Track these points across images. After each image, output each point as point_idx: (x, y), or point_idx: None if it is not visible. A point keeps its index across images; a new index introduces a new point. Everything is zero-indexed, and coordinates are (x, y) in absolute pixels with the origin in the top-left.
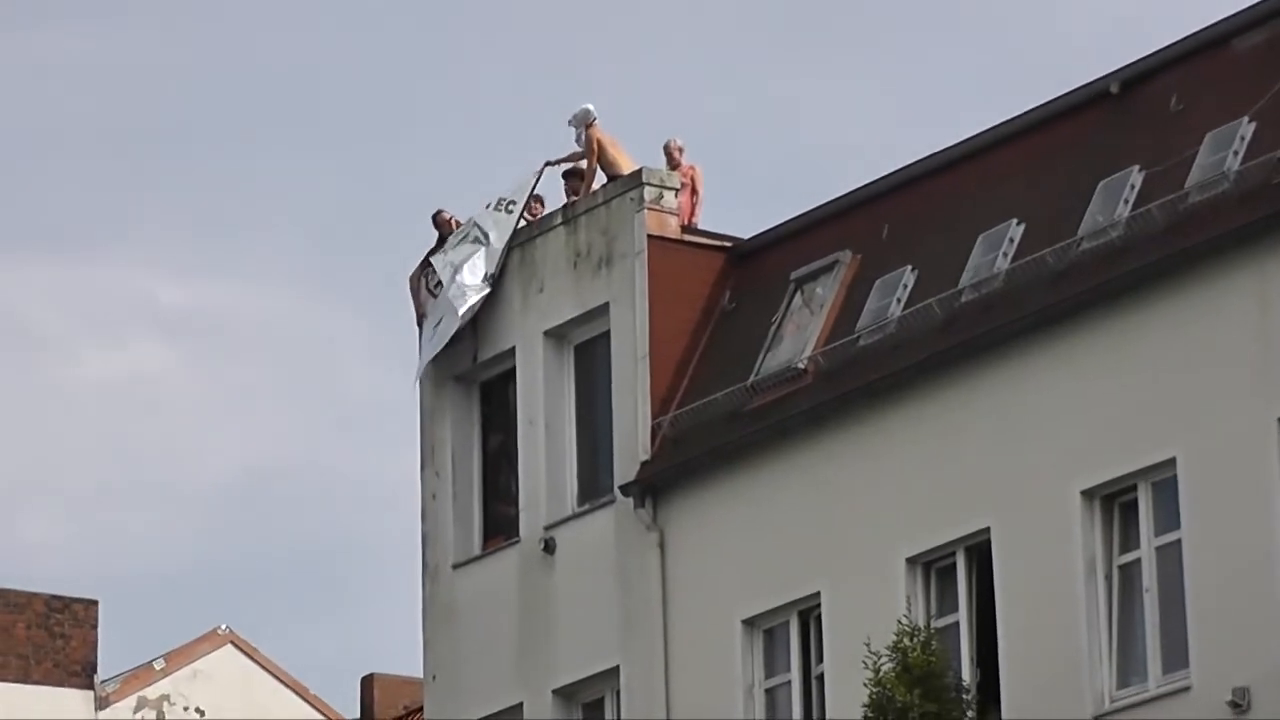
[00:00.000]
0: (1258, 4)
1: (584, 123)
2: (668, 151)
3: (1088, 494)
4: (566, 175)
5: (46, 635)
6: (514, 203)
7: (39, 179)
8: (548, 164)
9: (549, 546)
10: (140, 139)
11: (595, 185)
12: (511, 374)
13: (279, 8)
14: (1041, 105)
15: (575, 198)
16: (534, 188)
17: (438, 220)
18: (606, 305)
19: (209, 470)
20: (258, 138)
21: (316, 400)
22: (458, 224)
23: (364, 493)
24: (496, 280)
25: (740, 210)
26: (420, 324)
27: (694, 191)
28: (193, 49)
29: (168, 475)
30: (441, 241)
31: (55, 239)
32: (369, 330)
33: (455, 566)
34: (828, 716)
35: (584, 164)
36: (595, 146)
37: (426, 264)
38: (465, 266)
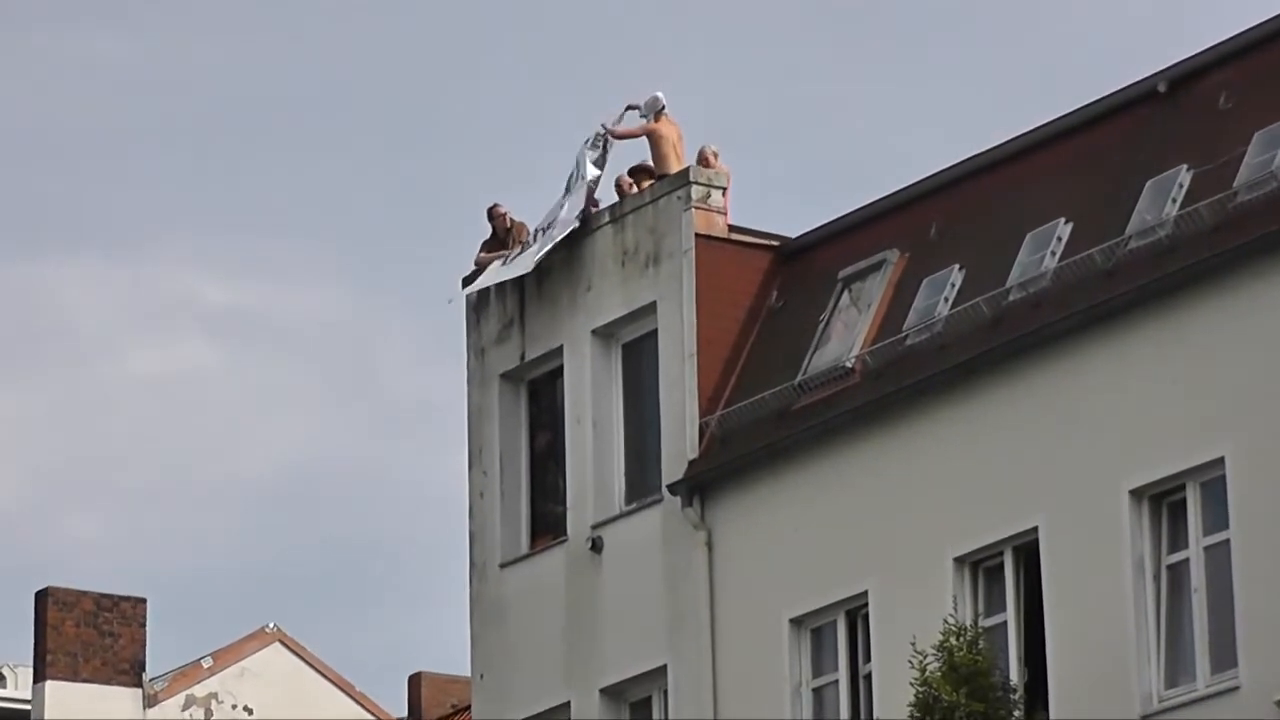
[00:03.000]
0: None
1: (653, 110)
2: (702, 157)
3: (1136, 493)
4: (632, 171)
5: (95, 633)
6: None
7: (84, 179)
8: (630, 107)
9: (596, 545)
10: (185, 139)
11: (645, 183)
12: (559, 372)
13: (322, 6)
14: (1089, 104)
15: (638, 191)
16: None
17: (493, 214)
18: (654, 304)
19: (256, 468)
20: (304, 136)
21: (362, 398)
22: (512, 219)
23: (411, 492)
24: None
25: (788, 209)
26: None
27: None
28: (238, 49)
29: (214, 474)
30: (494, 236)
31: (101, 238)
32: (414, 329)
33: (503, 565)
34: (874, 716)
35: (649, 160)
36: (660, 142)
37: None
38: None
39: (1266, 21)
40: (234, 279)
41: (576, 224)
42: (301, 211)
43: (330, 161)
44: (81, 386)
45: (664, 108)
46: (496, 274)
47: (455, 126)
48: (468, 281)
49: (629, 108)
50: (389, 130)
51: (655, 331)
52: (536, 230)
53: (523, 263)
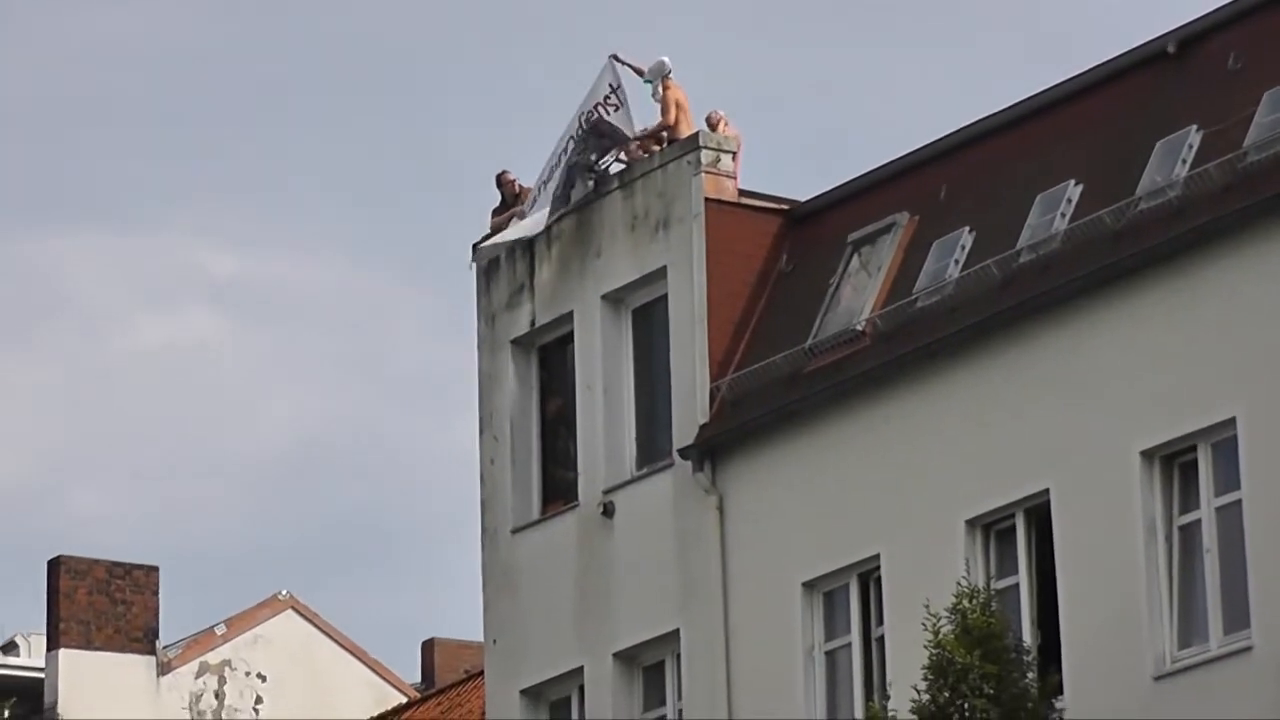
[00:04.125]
0: None
1: (660, 75)
2: (710, 123)
3: (1147, 454)
4: (640, 138)
5: (108, 601)
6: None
7: (90, 153)
8: (614, 58)
9: (608, 510)
10: (190, 111)
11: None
12: (569, 338)
13: None
14: (1098, 65)
15: (647, 154)
16: (609, 83)
17: (501, 181)
18: (664, 269)
19: (265, 439)
20: (309, 107)
21: (371, 367)
22: (521, 186)
23: (422, 459)
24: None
25: (797, 172)
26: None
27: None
28: (242, 21)
29: (224, 444)
30: (504, 203)
31: (107, 211)
32: (421, 298)
33: (514, 531)
34: (888, 678)
35: (657, 123)
36: (674, 108)
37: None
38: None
39: None
40: (240, 250)
41: (592, 180)
42: (307, 182)
43: (336, 131)
44: (90, 359)
45: (670, 72)
46: (510, 233)
47: (461, 95)
48: (479, 247)
49: (634, 70)
50: (395, 100)
51: (665, 296)
52: (538, 184)
53: (534, 222)
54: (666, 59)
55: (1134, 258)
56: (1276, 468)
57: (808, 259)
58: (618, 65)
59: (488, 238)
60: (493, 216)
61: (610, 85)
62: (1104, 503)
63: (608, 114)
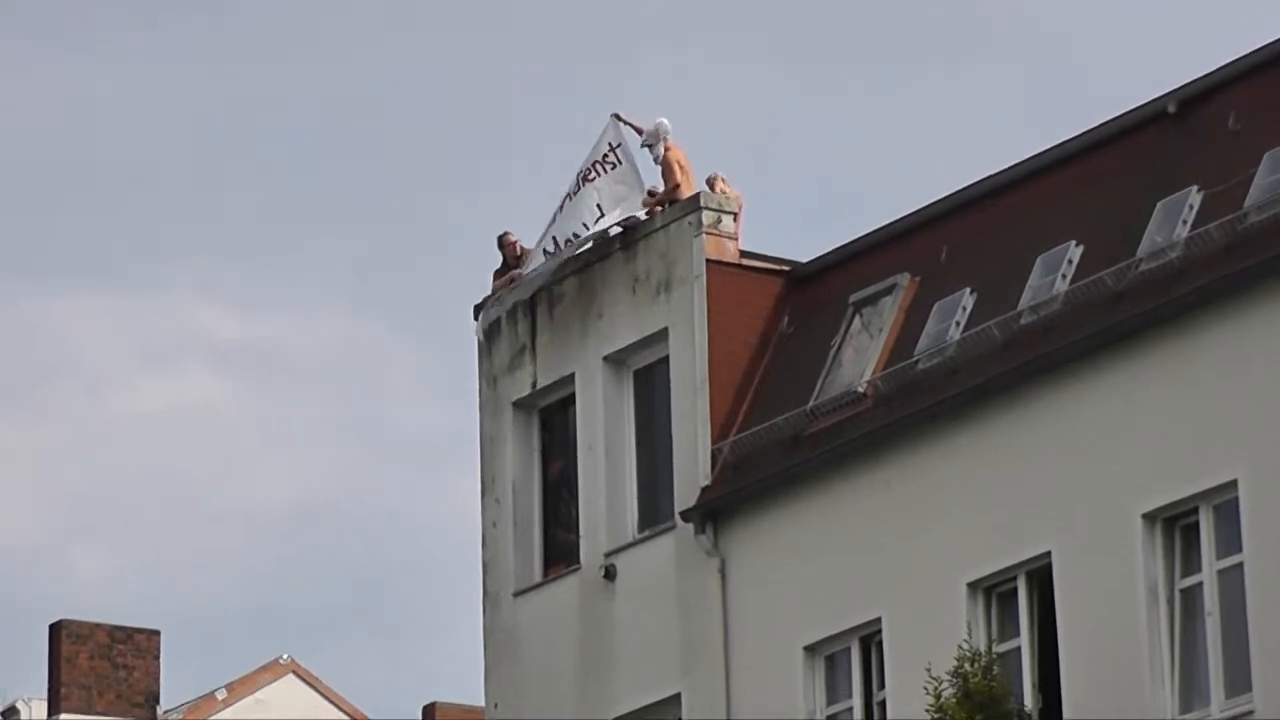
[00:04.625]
0: None
1: (659, 138)
2: (710, 183)
3: (1149, 517)
4: (649, 202)
5: (109, 665)
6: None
7: (92, 214)
8: (616, 116)
9: (610, 573)
10: (191, 172)
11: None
12: (571, 400)
13: (322, 39)
14: (1099, 125)
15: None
16: (609, 142)
17: (503, 242)
18: (666, 330)
19: (266, 500)
20: (310, 170)
21: (373, 429)
22: (523, 248)
23: (422, 522)
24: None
25: (798, 234)
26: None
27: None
28: (242, 81)
29: (226, 506)
30: (505, 264)
31: (108, 272)
32: (422, 359)
33: (516, 594)
34: None
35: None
36: (676, 169)
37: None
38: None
39: (1275, 42)
40: (241, 311)
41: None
42: (308, 243)
43: (338, 194)
44: (92, 420)
45: (669, 133)
46: (519, 289)
47: (463, 156)
48: (479, 309)
49: (635, 129)
50: (396, 161)
51: (667, 358)
52: (539, 248)
53: (542, 273)
54: (665, 121)
55: (1135, 319)
56: (1278, 530)
57: (809, 320)
58: (619, 124)
59: (489, 299)
60: (494, 278)
61: (610, 144)
62: (1106, 565)
63: (604, 172)
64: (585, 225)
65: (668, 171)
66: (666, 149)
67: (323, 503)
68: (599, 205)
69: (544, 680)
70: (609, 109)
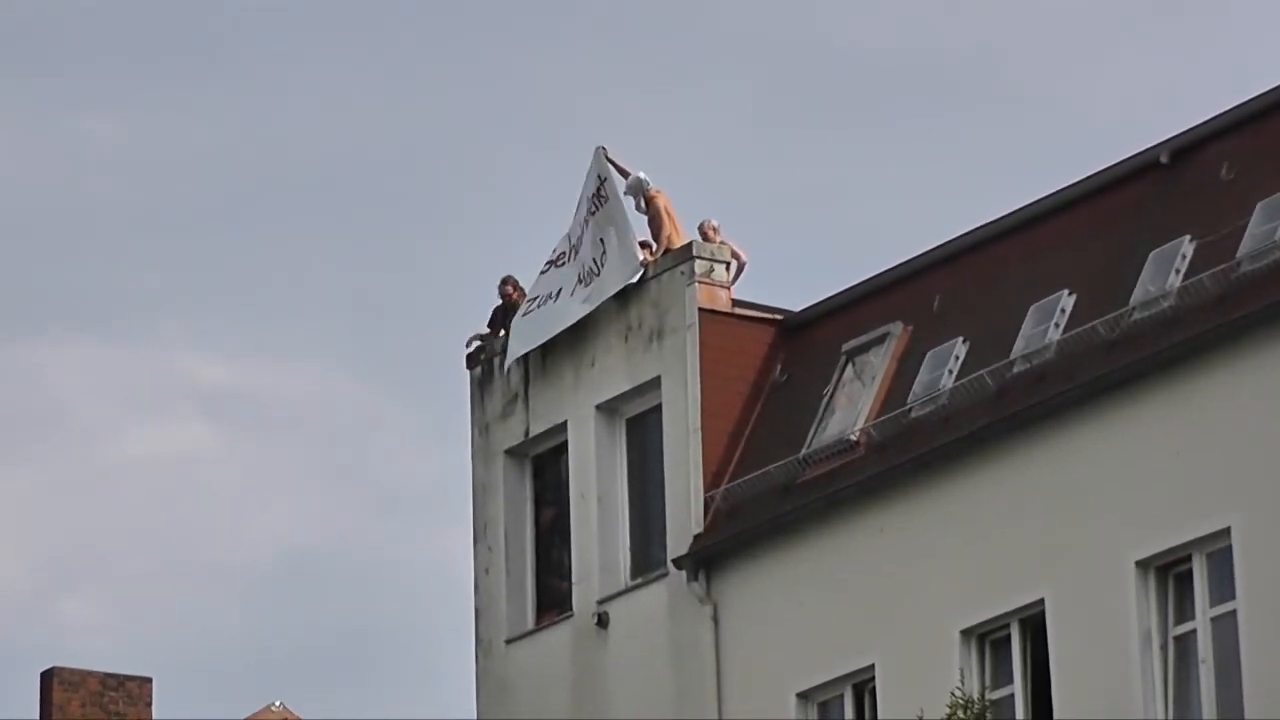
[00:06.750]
0: None
1: (640, 191)
2: (703, 232)
3: (1142, 565)
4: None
5: (101, 713)
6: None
7: (78, 261)
8: (602, 150)
9: (602, 620)
10: (181, 219)
11: (649, 255)
12: (563, 448)
13: (312, 89)
14: (1092, 175)
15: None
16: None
17: (504, 285)
18: (658, 379)
19: (256, 548)
20: (298, 216)
21: (364, 477)
22: (523, 293)
23: (414, 570)
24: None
25: (791, 282)
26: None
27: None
28: (230, 129)
29: (217, 554)
30: (502, 308)
31: (95, 320)
32: (412, 407)
33: (508, 641)
34: None
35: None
36: (664, 217)
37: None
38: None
39: (1268, 92)
40: (230, 359)
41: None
42: (297, 291)
43: (326, 240)
44: (82, 468)
45: (649, 185)
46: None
47: (453, 204)
48: (471, 359)
49: (620, 170)
50: (385, 209)
51: (659, 406)
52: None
53: (571, 311)
54: (643, 174)
55: (1128, 368)
56: (1272, 578)
57: (802, 369)
58: (604, 160)
59: (479, 349)
60: (490, 321)
61: (599, 177)
62: (1099, 613)
63: (599, 207)
64: (595, 268)
65: (657, 221)
66: (652, 197)
67: (314, 550)
68: (602, 240)
69: None
70: (590, 160)
